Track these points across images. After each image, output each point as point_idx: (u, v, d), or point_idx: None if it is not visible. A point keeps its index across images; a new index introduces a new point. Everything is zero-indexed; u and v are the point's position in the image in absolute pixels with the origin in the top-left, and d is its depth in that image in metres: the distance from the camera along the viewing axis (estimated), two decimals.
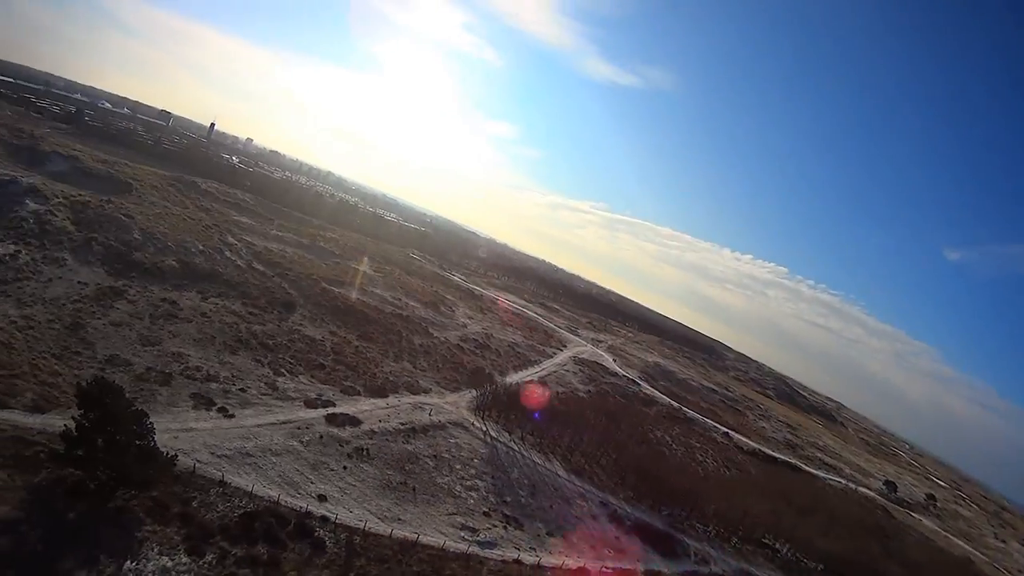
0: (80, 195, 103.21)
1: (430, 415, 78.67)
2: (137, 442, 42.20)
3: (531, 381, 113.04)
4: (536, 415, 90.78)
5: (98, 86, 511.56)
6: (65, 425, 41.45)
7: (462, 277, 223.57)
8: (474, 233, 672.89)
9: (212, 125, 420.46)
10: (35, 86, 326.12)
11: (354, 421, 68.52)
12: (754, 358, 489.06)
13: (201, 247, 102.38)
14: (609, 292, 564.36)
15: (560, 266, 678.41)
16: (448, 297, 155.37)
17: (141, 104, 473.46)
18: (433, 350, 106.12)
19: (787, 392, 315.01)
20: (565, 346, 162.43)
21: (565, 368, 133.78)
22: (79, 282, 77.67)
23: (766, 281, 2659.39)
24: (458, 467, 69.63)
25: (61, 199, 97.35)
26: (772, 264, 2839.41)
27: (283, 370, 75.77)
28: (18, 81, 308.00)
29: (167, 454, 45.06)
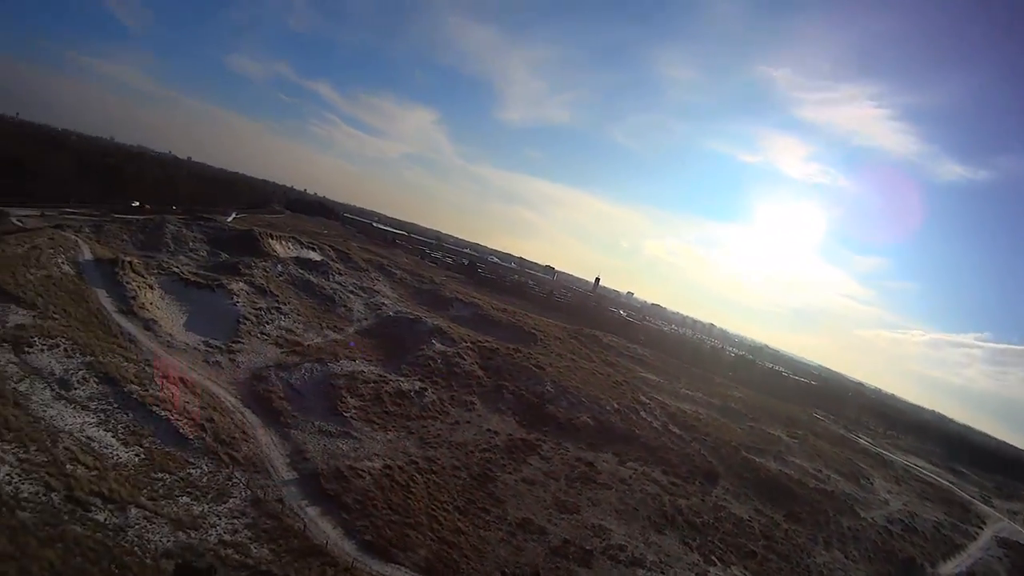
0: (487, 341, 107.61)
1: None
2: None
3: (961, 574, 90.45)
4: None
5: (483, 243, 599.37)
6: None
7: (868, 440, 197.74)
8: (861, 384, 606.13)
9: (597, 280, 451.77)
10: (428, 240, 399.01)
11: None
12: None
13: (616, 405, 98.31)
14: (1005, 445, 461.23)
15: (950, 416, 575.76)
16: (862, 465, 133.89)
17: (525, 259, 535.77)
18: (861, 533, 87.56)
19: None
20: (984, 522, 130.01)
21: (989, 552, 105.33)
22: (489, 430, 75.83)
23: None
24: None
25: (469, 343, 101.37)
26: None
27: (713, 557, 63.72)
28: (412, 235, 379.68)
29: None
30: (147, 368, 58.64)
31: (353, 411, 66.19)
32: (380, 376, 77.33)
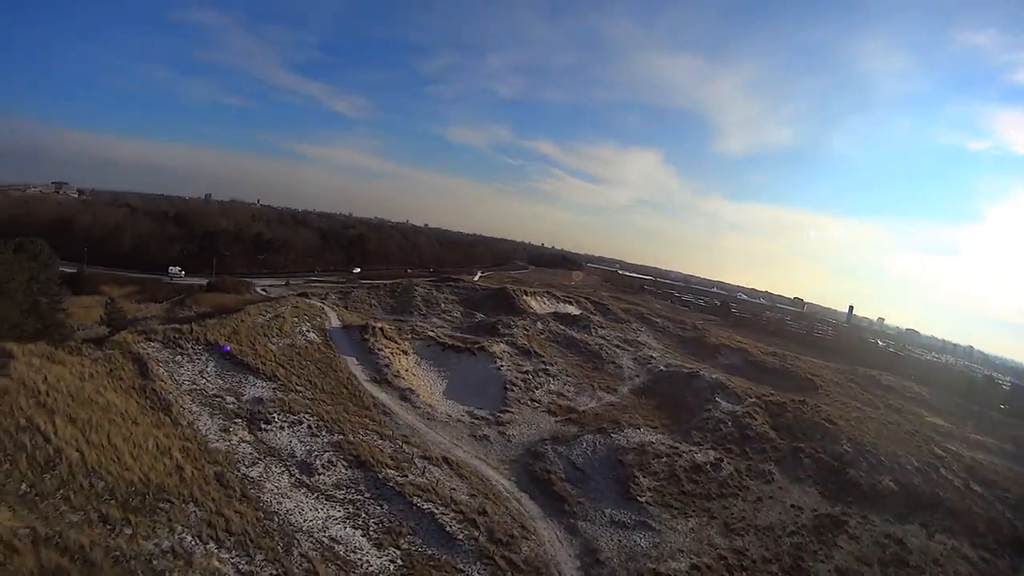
0: (772, 394, 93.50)
1: None
2: None
3: None
4: None
5: (724, 279, 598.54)
6: None
7: None
8: None
9: (851, 309, 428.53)
10: (674, 282, 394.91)
11: None
12: None
13: (915, 462, 79.96)
14: None
15: None
16: None
17: (771, 293, 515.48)
18: None
19: None
20: None
21: None
22: (792, 505, 61.68)
23: None
24: None
25: (754, 398, 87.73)
26: None
27: None
28: (657, 279, 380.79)
29: None
30: (405, 447, 51.49)
31: (648, 494, 54.45)
32: (671, 447, 65.82)
